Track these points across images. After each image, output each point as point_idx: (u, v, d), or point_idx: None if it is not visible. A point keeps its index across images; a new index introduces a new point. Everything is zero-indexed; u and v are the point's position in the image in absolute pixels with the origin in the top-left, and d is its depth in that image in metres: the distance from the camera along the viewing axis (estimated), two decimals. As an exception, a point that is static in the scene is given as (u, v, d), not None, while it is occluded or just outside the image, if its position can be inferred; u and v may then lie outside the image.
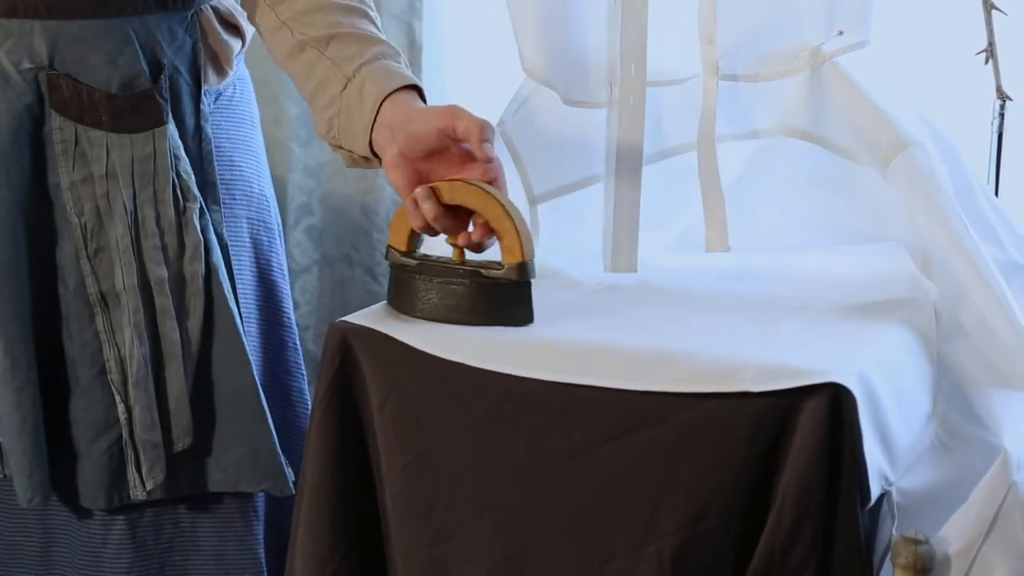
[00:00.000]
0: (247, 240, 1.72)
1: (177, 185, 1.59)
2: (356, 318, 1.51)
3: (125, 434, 1.59)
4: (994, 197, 1.75)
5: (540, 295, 1.56)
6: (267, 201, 1.76)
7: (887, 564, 1.34)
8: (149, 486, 1.60)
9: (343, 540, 1.50)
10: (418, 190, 1.46)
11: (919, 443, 1.47)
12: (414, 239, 1.51)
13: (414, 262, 1.50)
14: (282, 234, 1.80)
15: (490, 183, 1.46)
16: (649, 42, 1.61)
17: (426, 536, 1.47)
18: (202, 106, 1.63)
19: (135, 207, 1.57)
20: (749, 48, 1.66)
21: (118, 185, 1.56)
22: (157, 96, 1.57)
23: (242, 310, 1.65)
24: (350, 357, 1.49)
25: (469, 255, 1.49)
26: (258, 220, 1.74)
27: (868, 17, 1.62)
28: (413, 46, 2.38)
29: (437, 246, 1.54)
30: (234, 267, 1.65)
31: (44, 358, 1.58)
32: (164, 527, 1.68)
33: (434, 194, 1.45)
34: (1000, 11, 1.68)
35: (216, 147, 1.65)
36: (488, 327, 1.47)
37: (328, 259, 2.54)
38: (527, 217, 1.70)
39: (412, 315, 1.49)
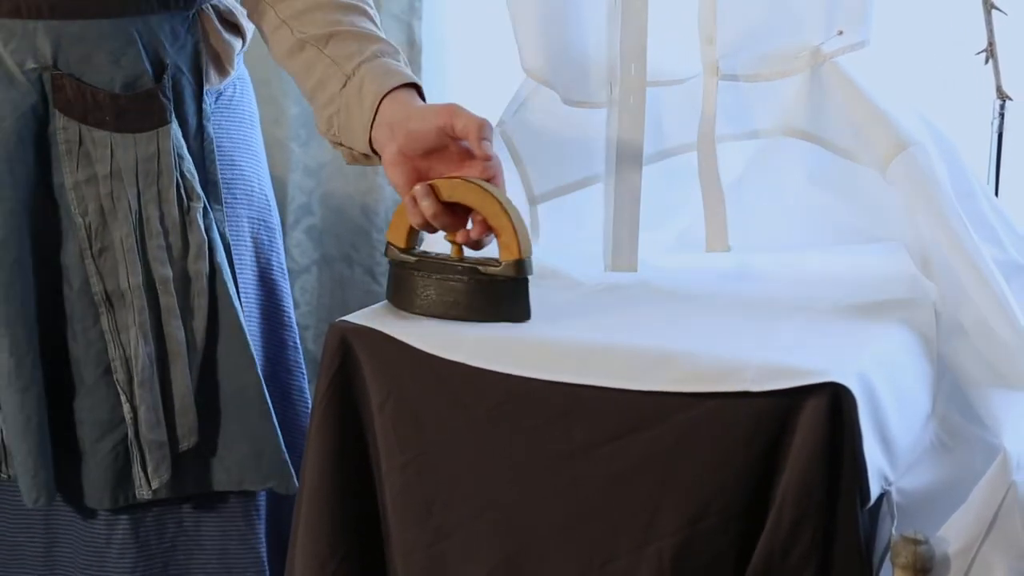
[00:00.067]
0: (248, 239, 1.72)
1: (181, 184, 1.59)
2: (356, 318, 1.51)
3: (131, 434, 1.59)
4: (994, 197, 1.75)
5: (540, 295, 1.56)
6: (267, 200, 1.77)
7: (887, 564, 1.34)
8: (155, 485, 1.60)
9: (343, 540, 1.50)
10: (417, 187, 1.47)
11: (919, 443, 1.47)
12: (413, 236, 1.52)
13: (413, 259, 1.50)
14: (281, 233, 1.81)
15: (488, 181, 1.46)
16: (649, 42, 1.61)
17: (426, 536, 1.47)
18: (204, 105, 1.63)
19: (139, 207, 1.57)
20: (749, 48, 1.66)
21: (122, 185, 1.56)
22: (160, 95, 1.58)
23: (244, 309, 1.65)
24: (350, 357, 1.49)
25: (467, 252, 1.49)
26: (259, 219, 1.74)
27: (868, 17, 1.62)
28: (413, 46, 2.38)
29: (436, 243, 1.54)
30: (236, 266, 1.65)
31: (48, 358, 1.58)
32: (167, 526, 1.68)
33: (433, 191, 1.46)
34: (1000, 11, 1.68)
35: (217, 146, 1.65)
36: (486, 324, 1.47)
37: (328, 259, 2.54)
38: (527, 217, 1.70)
39: (411, 311, 1.50)
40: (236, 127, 1.72)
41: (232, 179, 1.69)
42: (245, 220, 1.72)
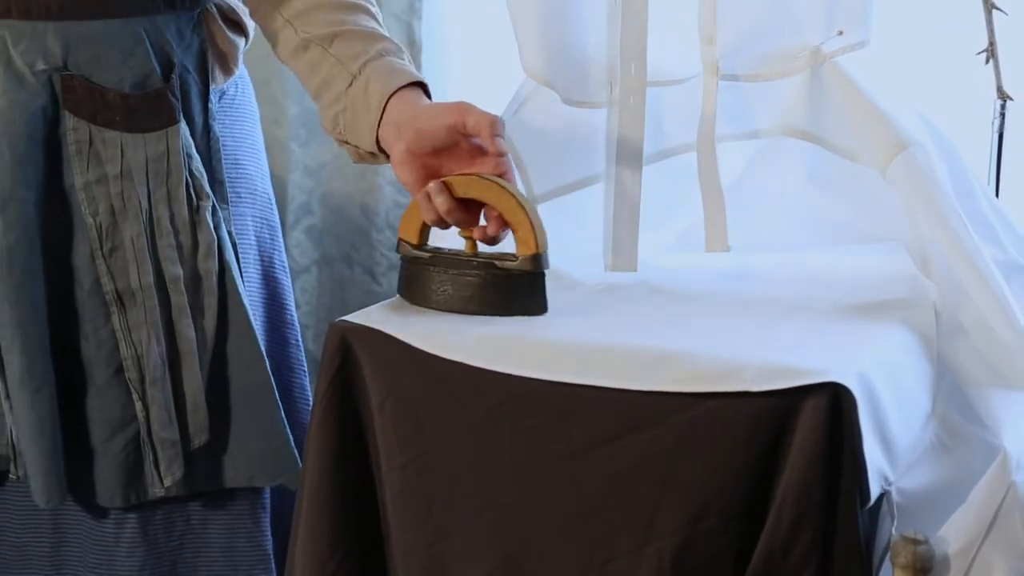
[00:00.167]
0: (252, 238, 1.73)
1: (190, 184, 1.59)
2: (356, 317, 1.51)
3: (143, 432, 1.59)
4: (994, 197, 1.75)
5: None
6: (269, 199, 1.78)
7: (887, 564, 1.34)
8: (167, 483, 1.61)
9: (343, 540, 1.50)
10: (431, 185, 1.48)
11: (919, 443, 1.47)
12: (425, 233, 1.53)
13: (426, 255, 1.52)
14: (281, 232, 1.81)
15: (500, 177, 1.48)
16: (649, 42, 1.61)
17: (425, 536, 1.47)
18: (210, 105, 1.64)
19: (150, 206, 1.57)
20: (749, 48, 1.66)
21: (132, 184, 1.57)
22: (169, 95, 1.58)
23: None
24: (350, 357, 1.49)
25: (481, 247, 1.51)
26: (261, 218, 1.75)
27: (868, 17, 1.62)
28: (413, 46, 2.38)
29: (439, 239, 1.55)
30: (241, 265, 1.66)
31: (59, 358, 1.58)
32: (175, 524, 1.69)
33: (446, 188, 1.48)
34: (1000, 11, 1.68)
35: (222, 145, 1.66)
36: (487, 323, 1.48)
37: (328, 259, 2.54)
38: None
39: (427, 306, 1.52)
40: (239, 126, 1.72)
41: (236, 178, 1.69)
42: (249, 219, 1.73)
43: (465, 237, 1.51)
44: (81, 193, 1.56)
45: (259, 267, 1.75)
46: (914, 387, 1.48)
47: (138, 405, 1.59)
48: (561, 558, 1.41)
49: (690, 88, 1.70)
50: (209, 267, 1.60)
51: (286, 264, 1.81)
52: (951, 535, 1.34)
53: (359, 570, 1.51)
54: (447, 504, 1.45)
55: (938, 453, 1.48)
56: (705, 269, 1.69)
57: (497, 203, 1.48)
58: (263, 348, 1.68)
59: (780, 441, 1.32)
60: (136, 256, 1.57)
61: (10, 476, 1.62)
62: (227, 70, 1.70)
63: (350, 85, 1.54)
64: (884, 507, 1.38)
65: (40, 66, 1.54)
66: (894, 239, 1.67)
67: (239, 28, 1.71)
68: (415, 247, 1.53)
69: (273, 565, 1.72)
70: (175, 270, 1.59)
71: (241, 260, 1.66)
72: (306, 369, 1.82)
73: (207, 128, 1.64)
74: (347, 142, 1.58)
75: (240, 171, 1.71)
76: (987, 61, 1.71)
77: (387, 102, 1.51)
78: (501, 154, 1.47)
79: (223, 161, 1.65)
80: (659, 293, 1.59)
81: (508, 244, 1.52)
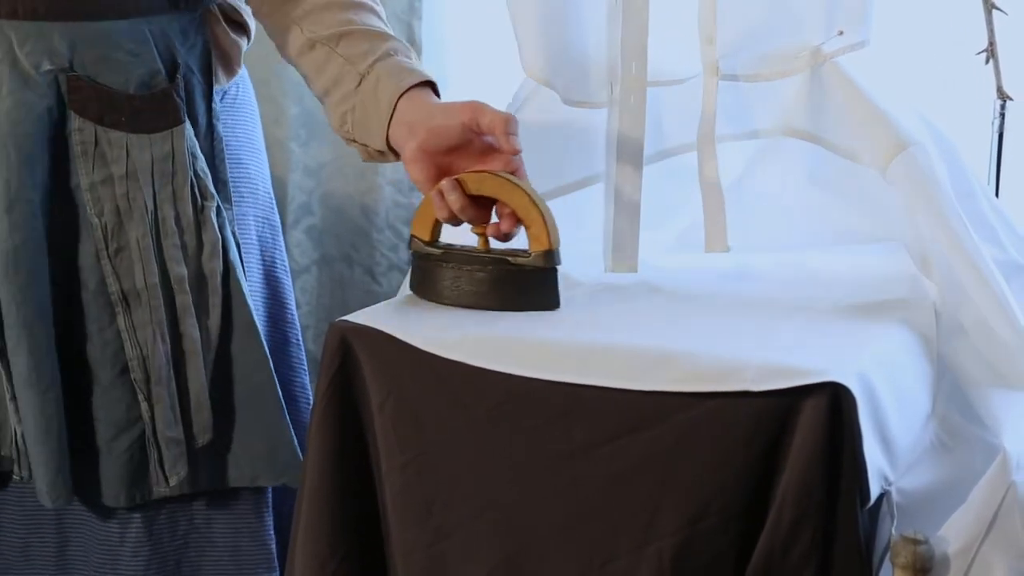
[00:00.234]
0: (254, 237, 1.73)
1: (195, 184, 1.60)
2: (356, 317, 1.51)
3: (148, 432, 1.60)
4: (994, 197, 1.75)
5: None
6: (270, 198, 1.79)
7: (886, 563, 1.34)
8: (172, 482, 1.61)
9: (343, 540, 1.50)
10: (444, 182, 1.50)
11: (919, 443, 1.47)
12: (437, 229, 1.55)
13: (439, 251, 1.54)
14: (282, 231, 1.82)
15: (512, 174, 1.50)
16: (649, 42, 1.61)
17: (425, 536, 1.47)
18: (214, 105, 1.64)
19: (155, 206, 1.58)
20: (749, 48, 1.66)
21: (138, 185, 1.57)
22: (174, 95, 1.58)
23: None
24: (350, 356, 1.49)
25: (493, 243, 1.53)
26: (263, 217, 1.76)
27: (868, 17, 1.62)
28: (413, 46, 2.37)
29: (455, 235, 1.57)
30: (244, 264, 1.66)
31: (64, 358, 1.58)
32: (179, 523, 1.69)
33: (459, 186, 1.50)
34: (1000, 11, 1.68)
35: (225, 145, 1.66)
36: (488, 323, 1.48)
37: (328, 259, 2.54)
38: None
39: (439, 302, 1.54)
40: (241, 126, 1.73)
41: (238, 178, 1.69)
42: (251, 218, 1.73)
43: (478, 234, 1.53)
44: (87, 193, 1.56)
45: (260, 266, 1.75)
46: (914, 387, 1.48)
47: (143, 405, 1.59)
48: (561, 558, 1.41)
49: (690, 88, 1.70)
50: (214, 267, 1.61)
51: (287, 263, 1.81)
52: (951, 535, 1.34)
53: (359, 570, 1.51)
54: (447, 504, 1.45)
55: (938, 453, 1.48)
56: (705, 269, 1.69)
57: (510, 200, 1.50)
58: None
59: (780, 441, 1.32)
60: (141, 256, 1.57)
61: (14, 477, 1.62)
62: (230, 70, 1.70)
63: (359, 84, 1.56)
64: (884, 507, 1.38)
65: (46, 66, 1.54)
66: (894, 239, 1.67)
67: (241, 28, 1.72)
68: (427, 244, 1.55)
69: (276, 563, 1.72)
70: (180, 270, 1.59)
71: (244, 260, 1.67)
72: (306, 368, 1.82)
73: (211, 128, 1.64)
74: (355, 141, 1.59)
75: (242, 171, 1.71)
76: (987, 61, 1.71)
77: (397, 101, 1.52)
78: (515, 152, 1.49)
79: (226, 161, 1.65)
80: (659, 293, 1.59)
81: (517, 241, 1.53)
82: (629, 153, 1.63)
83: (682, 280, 1.64)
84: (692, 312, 1.53)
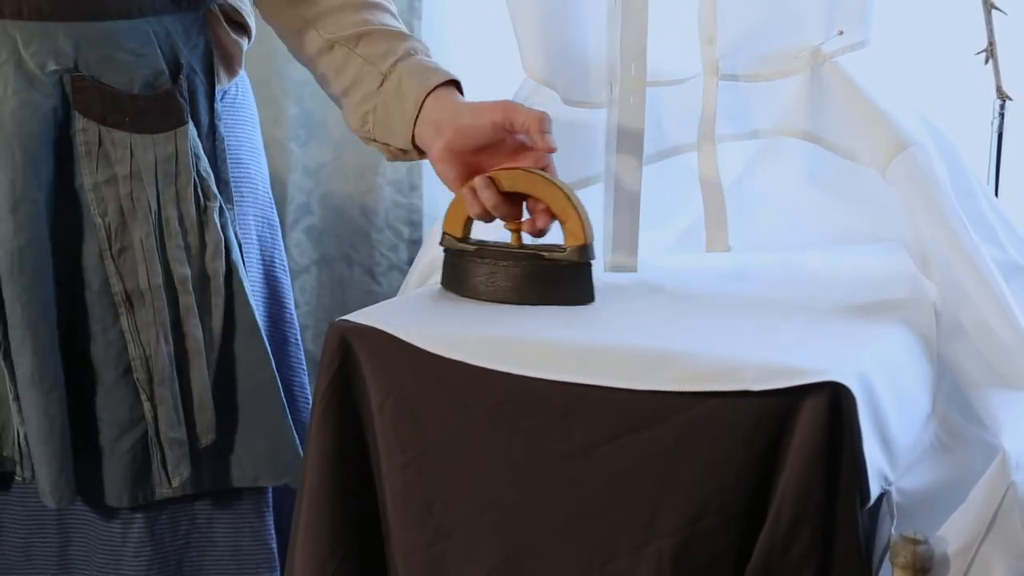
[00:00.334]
0: (254, 237, 1.74)
1: (198, 184, 1.60)
2: (356, 317, 1.51)
3: (151, 432, 1.60)
4: (994, 197, 1.75)
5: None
6: (269, 198, 1.79)
7: (886, 563, 1.34)
8: (175, 483, 1.61)
9: (343, 540, 1.50)
10: (477, 179, 1.52)
11: (919, 443, 1.47)
12: (469, 226, 1.57)
13: (472, 247, 1.56)
14: (281, 231, 1.82)
15: (542, 170, 1.52)
16: (649, 42, 1.61)
17: (426, 536, 1.46)
18: (216, 105, 1.64)
19: (158, 207, 1.58)
20: (749, 48, 1.66)
21: (141, 185, 1.57)
22: (178, 96, 1.58)
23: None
24: (350, 356, 1.49)
25: (525, 239, 1.55)
26: (263, 217, 1.76)
27: (868, 17, 1.62)
28: (413, 46, 2.38)
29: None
30: (245, 264, 1.66)
31: (67, 359, 1.58)
32: (181, 523, 1.69)
33: (492, 183, 1.51)
34: (1000, 11, 1.68)
35: (226, 146, 1.66)
36: (488, 323, 1.48)
37: (327, 259, 2.54)
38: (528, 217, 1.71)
39: (474, 297, 1.55)
40: (241, 126, 1.73)
41: (239, 178, 1.70)
42: (251, 218, 1.73)
43: (512, 230, 1.55)
44: (90, 194, 1.56)
45: (260, 266, 1.75)
46: (914, 387, 1.48)
47: (146, 406, 1.59)
48: (561, 558, 1.41)
49: (690, 88, 1.70)
50: (216, 267, 1.61)
51: (286, 263, 1.82)
52: (951, 535, 1.34)
53: (359, 570, 1.50)
54: (447, 504, 1.45)
55: (938, 453, 1.48)
56: (705, 269, 1.69)
57: (544, 196, 1.52)
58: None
59: (780, 441, 1.32)
60: (145, 257, 1.57)
61: (16, 478, 1.62)
62: (231, 70, 1.70)
63: (381, 85, 1.57)
64: (884, 507, 1.38)
65: (51, 67, 1.54)
66: (894, 239, 1.67)
67: (242, 28, 1.72)
68: (459, 240, 1.57)
69: (278, 563, 1.72)
70: (183, 270, 1.59)
71: (245, 260, 1.67)
72: (305, 368, 1.82)
73: (213, 128, 1.64)
74: (375, 140, 1.60)
75: (242, 171, 1.72)
76: (986, 61, 1.71)
77: (424, 100, 1.54)
78: (551, 150, 1.51)
79: (228, 160, 1.66)
80: (659, 293, 1.59)
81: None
82: (629, 153, 1.63)
83: (682, 280, 1.64)
84: (692, 312, 1.53)
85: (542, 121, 1.50)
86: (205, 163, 1.61)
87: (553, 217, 1.53)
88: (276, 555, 1.72)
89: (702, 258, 1.71)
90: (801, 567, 1.32)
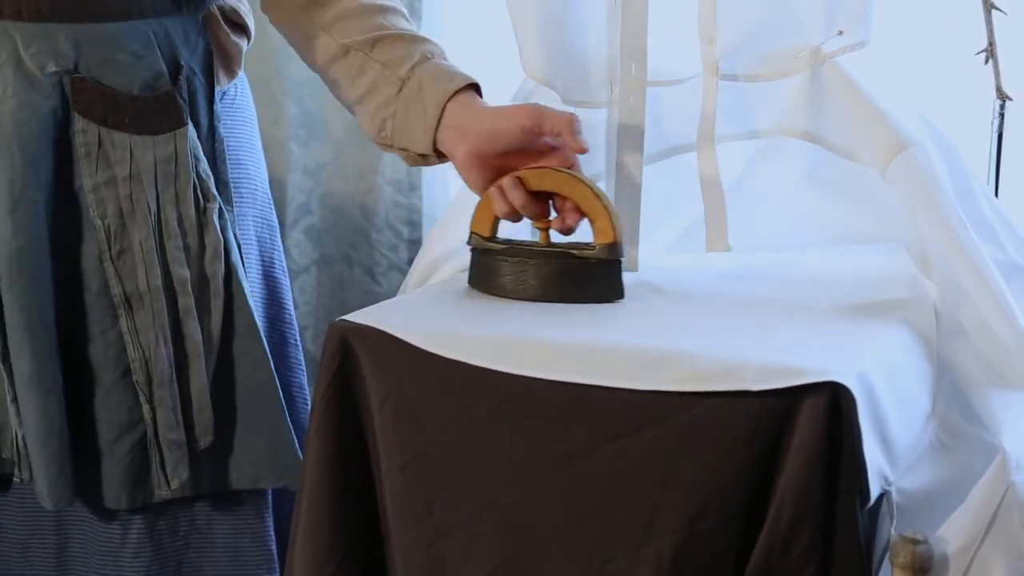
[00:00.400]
0: (253, 238, 1.74)
1: (197, 186, 1.59)
2: (356, 317, 1.51)
3: (149, 434, 1.59)
4: (994, 197, 1.75)
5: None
6: (268, 199, 1.79)
7: (886, 563, 1.34)
8: (173, 485, 1.60)
9: (342, 541, 1.50)
10: (505, 180, 1.54)
11: (919, 443, 1.47)
12: (496, 226, 1.58)
13: (500, 246, 1.57)
14: (280, 232, 1.82)
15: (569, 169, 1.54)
16: (649, 42, 1.61)
17: (425, 536, 1.46)
18: (215, 107, 1.64)
19: (158, 208, 1.58)
20: (749, 48, 1.66)
21: (141, 187, 1.57)
22: (178, 97, 1.58)
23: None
24: (350, 356, 1.48)
25: (553, 237, 1.57)
26: (262, 218, 1.76)
27: (868, 17, 1.62)
28: (413, 46, 2.37)
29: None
30: (245, 265, 1.66)
31: (66, 360, 1.58)
32: (180, 525, 1.69)
33: (520, 183, 1.53)
34: (1000, 11, 1.68)
35: (226, 147, 1.66)
36: (489, 323, 1.48)
37: (327, 259, 2.54)
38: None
39: (504, 296, 1.56)
40: (240, 127, 1.73)
41: (238, 178, 1.70)
42: (250, 219, 1.73)
43: (540, 228, 1.56)
44: (90, 195, 1.56)
45: (259, 267, 1.75)
46: (914, 387, 1.48)
47: (145, 407, 1.59)
48: (561, 558, 1.41)
49: (690, 88, 1.70)
50: (216, 269, 1.61)
51: (285, 264, 1.82)
52: (950, 535, 1.34)
53: (359, 571, 1.50)
54: (447, 504, 1.45)
55: (938, 453, 1.48)
56: (705, 269, 1.69)
57: (572, 194, 1.53)
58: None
59: (780, 441, 1.32)
60: (144, 258, 1.57)
61: (14, 479, 1.62)
62: (230, 71, 1.70)
63: (400, 90, 1.57)
64: (884, 507, 1.38)
65: (51, 68, 1.54)
66: (894, 239, 1.67)
67: (241, 29, 1.72)
68: (487, 239, 1.58)
69: (277, 564, 1.72)
70: (182, 272, 1.59)
71: (244, 261, 1.67)
72: (305, 369, 1.82)
73: (212, 130, 1.64)
74: (393, 146, 1.60)
75: (242, 171, 1.71)
76: (986, 61, 1.71)
77: (445, 105, 1.54)
78: (583, 150, 1.52)
79: (227, 161, 1.65)
80: (659, 293, 1.59)
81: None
82: (629, 153, 1.63)
83: (682, 280, 1.64)
84: (692, 312, 1.53)
85: (572, 123, 1.52)
86: (204, 164, 1.61)
87: (582, 215, 1.54)
88: (276, 556, 1.72)
89: (702, 258, 1.71)
90: (801, 567, 1.32)
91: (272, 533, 1.72)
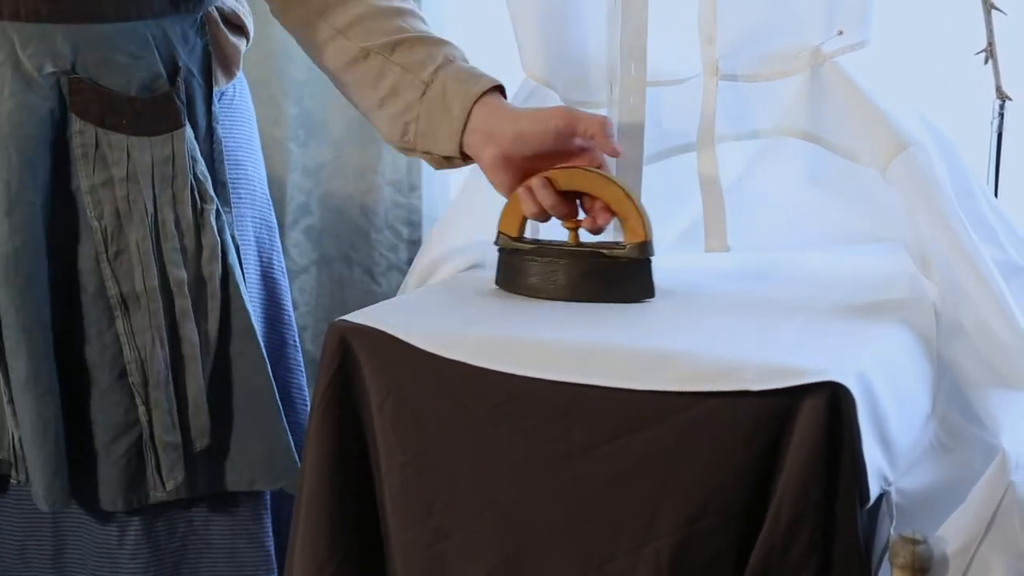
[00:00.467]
0: (252, 239, 1.73)
1: (194, 187, 1.59)
2: (356, 317, 1.51)
3: (145, 436, 1.59)
4: (993, 197, 1.75)
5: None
6: (267, 199, 1.79)
7: (885, 563, 1.34)
8: (169, 487, 1.60)
9: (342, 542, 1.50)
10: (534, 179, 1.54)
11: (918, 443, 1.47)
12: (523, 226, 1.59)
13: (530, 246, 1.58)
14: (279, 232, 1.81)
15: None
16: (649, 42, 1.61)
17: (425, 536, 1.46)
18: (213, 108, 1.64)
19: (155, 209, 1.57)
20: (749, 48, 1.66)
21: (138, 188, 1.56)
22: (175, 98, 1.58)
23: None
24: (349, 356, 1.48)
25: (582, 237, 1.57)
26: (260, 219, 1.75)
27: (868, 17, 1.62)
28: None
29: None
30: (243, 267, 1.66)
31: (62, 362, 1.58)
32: (178, 526, 1.68)
33: (549, 183, 1.53)
34: (1000, 11, 1.68)
35: (224, 147, 1.66)
36: (489, 322, 1.48)
37: (327, 259, 2.54)
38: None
39: (534, 296, 1.56)
40: (239, 127, 1.72)
41: (237, 179, 1.69)
42: (249, 220, 1.73)
43: (570, 228, 1.57)
44: (87, 196, 1.56)
45: (258, 268, 1.75)
46: (914, 387, 1.48)
47: (141, 409, 1.58)
48: (560, 558, 1.41)
49: (690, 88, 1.70)
50: (212, 270, 1.60)
51: (284, 265, 1.81)
52: (950, 535, 1.34)
53: (358, 571, 1.50)
54: (447, 504, 1.45)
55: (937, 453, 1.48)
56: (705, 269, 1.69)
57: (602, 193, 1.54)
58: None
59: (779, 441, 1.32)
60: (141, 260, 1.57)
61: (11, 481, 1.62)
62: (229, 72, 1.70)
63: (423, 93, 1.56)
64: (883, 507, 1.37)
65: (48, 69, 1.53)
66: (894, 239, 1.67)
67: (240, 30, 1.72)
68: (515, 239, 1.58)
69: (275, 566, 1.72)
70: (179, 273, 1.58)
71: (242, 261, 1.66)
72: (303, 370, 1.82)
73: (210, 131, 1.64)
74: (415, 149, 1.60)
75: (240, 172, 1.71)
76: (986, 61, 1.71)
77: (472, 109, 1.54)
78: (617, 153, 1.53)
79: (225, 163, 1.65)
80: (658, 293, 1.59)
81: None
82: (628, 153, 1.63)
83: (682, 280, 1.64)
84: (692, 312, 1.53)
85: (605, 125, 1.52)
86: (202, 166, 1.61)
87: (612, 214, 1.54)
88: (274, 558, 1.72)
89: (702, 258, 1.71)
90: (800, 567, 1.32)
91: (270, 535, 1.72)
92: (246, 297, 1.63)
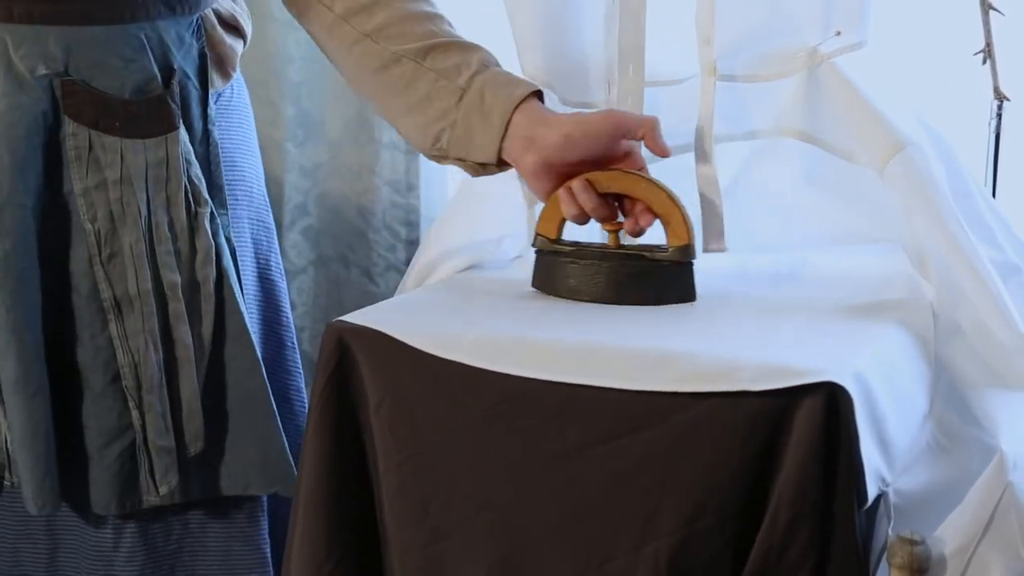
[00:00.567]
0: (248, 240, 1.73)
1: (188, 190, 1.59)
2: (353, 318, 1.51)
3: (139, 440, 1.59)
4: (991, 198, 1.75)
5: (539, 295, 1.56)
6: (265, 201, 1.78)
7: (883, 564, 1.34)
8: (163, 491, 1.59)
9: (339, 543, 1.50)
10: (575, 182, 1.52)
11: (916, 444, 1.47)
12: (562, 228, 1.58)
13: (570, 248, 1.57)
14: (276, 232, 1.81)
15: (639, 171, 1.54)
16: (647, 43, 1.61)
17: (422, 536, 1.46)
18: (209, 110, 1.63)
19: (148, 212, 1.57)
20: (747, 49, 1.66)
21: (132, 190, 1.56)
22: (170, 101, 1.57)
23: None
24: (347, 357, 1.48)
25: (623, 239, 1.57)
26: (257, 220, 1.75)
27: (866, 17, 1.62)
28: (411, 46, 2.37)
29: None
30: (239, 269, 1.65)
31: (55, 365, 1.57)
32: (173, 528, 1.68)
33: (590, 186, 1.52)
34: (998, 11, 1.68)
35: (220, 150, 1.65)
36: (488, 322, 1.48)
37: (324, 260, 2.54)
38: (525, 218, 1.71)
39: (574, 298, 1.56)
40: (236, 128, 1.72)
41: (233, 180, 1.69)
42: (245, 221, 1.72)
43: (610, 231, 1.56)
44: (80, 199, 1.55)
45: (255, 269, 1.74)
46: (911, 388, 1.48)
47: (134, 413, 1.58)
48: (558, 558, 1.41)
49: (688, 89, 1.70)
50: (207, 274, 1.60)
51: (281, 266, 1.81)
52: (948, 535, 1.34)
53: (356, 571, 1.50)
54: (444, 504, 1.45)
55: (935, 454, 1.48)
56: (704, 269, 1.68)
57: (645, 196, 1.53)
58: (259, 351, 1.68)
59: (777, 441, 1.32)
60: (134, 262, 1.56)
61: (4, 483, 1.61)
62: (225, 74, 1.69)
63: (460, 99, 1.53)
64: (881, 507, 1.38)
65: (41, 71, 1.53)
66: (891, 240, 1.67)
67: (237, 32, 1.71)
68: (554, 242, 1.57)
69: (271, 568, 1.72)
70: (173, 277, 1.58)
71: (238, 263, 1.66)
72: (302, 372, 1.81)
73: (206, 133, 1.63)
74: (447, 157, 1.57)
75: (237, 173, 1.71)
76: (984, 62, 1.71)
77: (512, 115, 1.51)
78: (667, 154, 1.53)
79: (221, 166, 1.65)
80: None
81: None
82: (627, 153, 1.63)
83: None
84: (691, 312, 1.53)
85: (655, 126, 1.51)
86: (196, 168, 1.60)
87: (654, 217, 1.53)
88: (270, 560, 1.71)
89: (701, 258, 1.70)
90: (798, 567, 1.32)
91: (266, 537, 1.71)
92: (240, 300, 1.62)
